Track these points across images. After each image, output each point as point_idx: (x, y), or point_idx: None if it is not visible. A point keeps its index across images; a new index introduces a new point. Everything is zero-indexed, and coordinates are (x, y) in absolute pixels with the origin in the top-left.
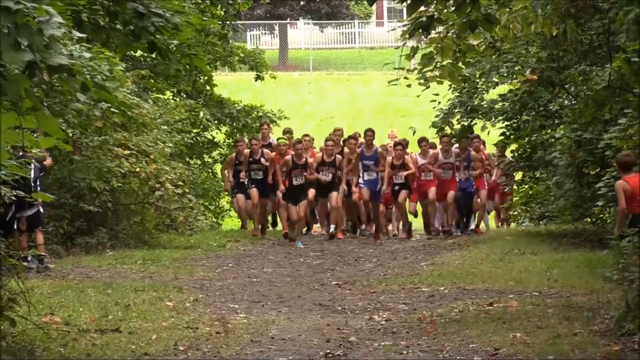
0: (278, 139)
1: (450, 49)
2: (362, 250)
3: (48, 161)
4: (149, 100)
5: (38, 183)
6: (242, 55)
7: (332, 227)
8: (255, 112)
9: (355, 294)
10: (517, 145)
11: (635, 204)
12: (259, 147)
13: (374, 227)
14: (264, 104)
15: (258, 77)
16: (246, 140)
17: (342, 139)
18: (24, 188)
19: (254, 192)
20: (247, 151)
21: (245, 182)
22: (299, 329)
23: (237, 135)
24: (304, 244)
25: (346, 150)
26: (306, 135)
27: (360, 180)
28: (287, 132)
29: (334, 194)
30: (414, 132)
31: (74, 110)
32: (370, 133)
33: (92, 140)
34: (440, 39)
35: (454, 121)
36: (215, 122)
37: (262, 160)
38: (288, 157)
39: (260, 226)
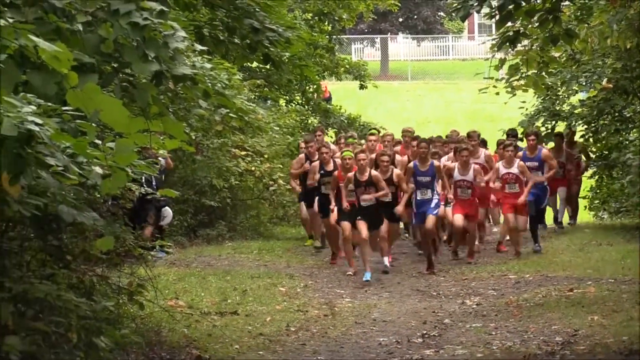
0: (343, 152)
1: (535, 60)
2: None
3: (168, 161)
4: (271, 108)
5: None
6: (347, 66)
7: (385, 259)
8: (357, 122)
9: (449, 280)
10: (595, 148)
11: None
12: (330, 156)
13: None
14: (367, 110)
15: (362, 87)
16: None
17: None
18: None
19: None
20: (316, 163)
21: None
22: (399, 312)
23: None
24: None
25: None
26: (370, 133)
27: (413, 202)
28: (350, 136)
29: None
30: (504, 134)
31: (197, 115)
32: (424, 145)
33: (213, 142)
34: (525, 52)
35: (539, 124)
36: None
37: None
38: (351, 174)
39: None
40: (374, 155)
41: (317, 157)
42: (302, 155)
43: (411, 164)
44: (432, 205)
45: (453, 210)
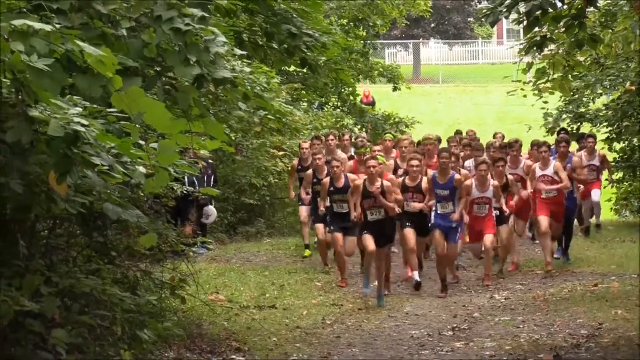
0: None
1: (561, 64)
2: None
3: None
4: (300, 109)
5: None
6: (381, 69)
7: (416, 273)
8: (392, 119)
9: (479, 275)
10: (619, 148)
11: None
12: (341, 170)
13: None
14: (400, 112)
15: (395, 88)
16: (306, 145)
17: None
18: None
19: (338, 236)
20: (326, 180)
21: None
22: (430, 305)
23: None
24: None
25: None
26: (383, 139)
27: (433, 214)
28: (362, 145)
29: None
30: (529, 129)
31: (236, 116)
32: (445, 154)
33: (252, 143)
34: (552, 56)
35: (564, 125)
36: (358, 127)
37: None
38: (359, 181)
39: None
40: (391, 162)
41: (313, 165)
42: (310, 172)
43: (430, 175)
44: (454, 226)
45: (467, 230)
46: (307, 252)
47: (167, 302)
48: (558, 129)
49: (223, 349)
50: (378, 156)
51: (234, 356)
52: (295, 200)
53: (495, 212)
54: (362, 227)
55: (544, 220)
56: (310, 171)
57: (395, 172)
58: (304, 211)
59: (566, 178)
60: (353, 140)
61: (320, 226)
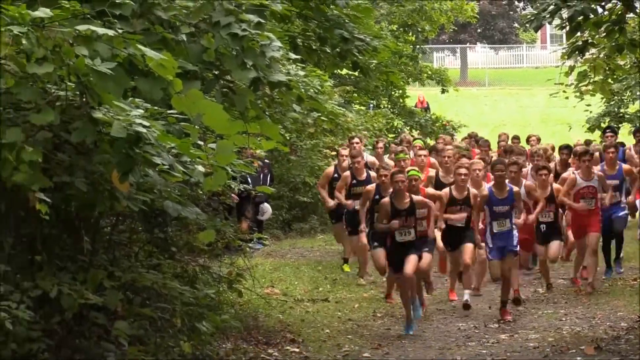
0: (408, 171)
1: (601, 67)
2: None
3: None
4: (353, 110)
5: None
6: (430, 72)
7: (467, 293)
8: (440, 121)
9: (522, 270)
10: None
11: None
12: (389, 180)
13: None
14: (448, 113)
15: (444, 91)
16: (346, 152)
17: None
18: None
19: (380, 254)
20: (371, 187)
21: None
22: (476, 299)
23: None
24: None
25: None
26: (420, 148)
27: (487, 235)
28: (401, 150)
29: (468, 247)
30: (570, 128)
31: (291, 118)
32: (500, 167)
33: (306, 143)
34: (593, 59)
35: (604, 125)
36: (408, 128)
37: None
38: (386, 199)
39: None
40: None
41: (362, 175)
42: (347, 174)
43: (486, 190)
44: (513, 239)
45: None
46: (346, 268)
47: (224, 296)
48: (605, 126)
49: (278, 340)
50: (412, 171)
51: (288, 347)
52: (333, 207)
53: (542, 226)
54: (389, 249)
55: (590, 239)
56: (348, 173)
57: (439, 188)
58: (339, 230)
59: (609, 188)
60: (401, 138)
61: (360, 237)
